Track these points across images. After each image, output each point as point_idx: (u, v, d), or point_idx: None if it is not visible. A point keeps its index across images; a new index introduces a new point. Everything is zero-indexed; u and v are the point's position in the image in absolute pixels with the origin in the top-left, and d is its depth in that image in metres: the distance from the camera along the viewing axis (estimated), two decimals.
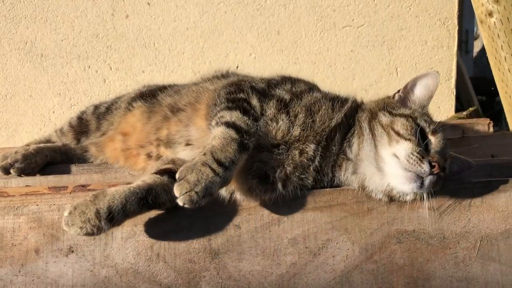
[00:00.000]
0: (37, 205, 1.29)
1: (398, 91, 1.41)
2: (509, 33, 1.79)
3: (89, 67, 2.52)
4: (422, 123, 1.29)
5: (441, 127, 1.31)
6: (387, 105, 1.37)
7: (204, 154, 1.18)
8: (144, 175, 1.30)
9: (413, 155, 1.20)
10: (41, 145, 1.72)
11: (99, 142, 1.73)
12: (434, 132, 1.28)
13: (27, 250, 1.26)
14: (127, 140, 1.64)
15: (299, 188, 1.25)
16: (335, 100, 1.37)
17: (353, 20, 2.41)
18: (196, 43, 2.48)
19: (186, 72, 2.49)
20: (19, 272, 1.25)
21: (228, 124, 1.24)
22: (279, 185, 1.24)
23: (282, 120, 1.29)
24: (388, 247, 1.21)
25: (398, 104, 1.38)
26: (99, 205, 1.13)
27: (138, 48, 2.49)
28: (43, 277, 1.25)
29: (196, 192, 1.11)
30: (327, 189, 1.25)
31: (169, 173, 1.27)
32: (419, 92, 1.37)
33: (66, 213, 1.13)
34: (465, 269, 1.19)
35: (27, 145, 1.77)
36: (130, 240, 1.25)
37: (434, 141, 1.27)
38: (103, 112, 1.76)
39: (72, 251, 1.26)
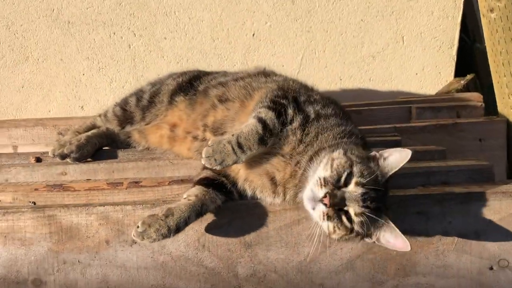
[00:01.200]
0: (104, 207, 1.60)
1: (378, 151, 1.48)
2: (507, 30, 1.95)
3: (114, 33, 2.67)
4: (355, 170, 1.37)
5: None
6: (355, 150, 1.47)
7: (233, 135, 1.50)
8: (191, 190, 1.58)
9: (321, 179, 1.37)
10: (90, 133, 1.97)
11: (143, 129, 1.99)
12: (358, 184, 1.36)
13: (99, 241, 1.59)
14: (175, 129, 1.91)
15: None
16: (343, 130, 1.54)
17: None
18: (214, 11, 2.61)
19: (205, 39, 2.66)
20: (95, 257, 1.60)
21: (260, 120, 1.53)
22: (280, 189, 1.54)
23: (297, 135, 1.54)
24: None
25: (361, 154, 1.46)
26: (169, 223, 1.44)
27: (160, 16, 2.63)
28: (114, 261, 1.60)
29: (215, 159, 1.46)
30: None
31: (212, 184, 1.57)
32: (390, 160, 1.43)
33: (140, 229, 1.42)
34: (443, 259, 1.53)
35: (77, 131, 2.02)
36: (181, 234, 1.57)
37: (351, 188, 1.36)
38: (146, 105, 1.97)
39: (135, 242, 1.59)
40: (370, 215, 1.34)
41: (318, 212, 1.38)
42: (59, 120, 2.43)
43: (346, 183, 1.37)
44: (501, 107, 2.10)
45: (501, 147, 2.04)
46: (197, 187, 1.56)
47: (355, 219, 1.36)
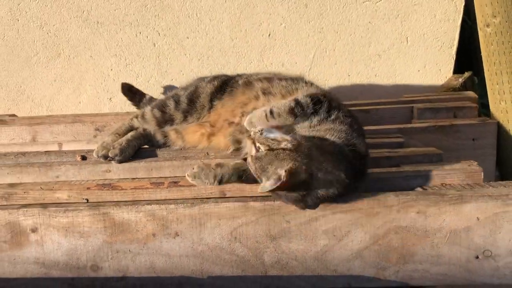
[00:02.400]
0: (150, 205, 1.87)
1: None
2: (500, 43, 2.17)
3: (140, 33, 2.87)
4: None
5: None
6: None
7: (269, 106, 1.85)
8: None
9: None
10: (130, 136, 2.19)
11: (181, 129, 2.23)
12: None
13: (147, 234, 1.88)
14: (215, 125, 2.16)
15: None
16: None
17: None
18: (233, 14, 2.80)
19: (225, 38, 2.86)
20: (143, 247, 1.89)
21: (296, 99, 1.84)
22: None
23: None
24: (388, 236, 1.82)
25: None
26: (217, 172, 1.83)
27: (183, 17, 2.82)
28: (159, 251, 1.88)
29: (251, 122, 1.83)
30: (350, 198, 1.83)
31: None
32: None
33: (194, 170, 1.84)
34: (437, 250, 1.81)
35: (117, 133, 2.25)
36: (217, 228, 1.85)
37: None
38: (186, 109, 2.20)
39: (178, 235, 1.87)
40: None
41: None
42: (96, 116, 2.67)
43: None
44: (493, 110, 2.35)
45: (492, 146, 2.31)
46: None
47: None
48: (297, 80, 2.14)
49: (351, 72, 2.89)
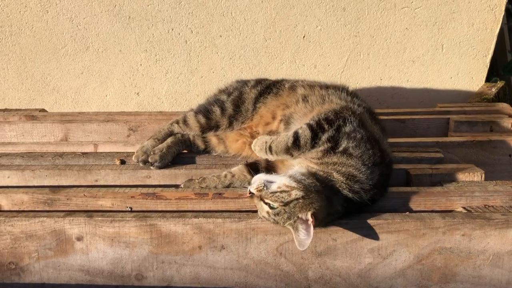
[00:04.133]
0: (198, 219, 1.88)
1: (308, 221, 1.75)
2: None
3: (172, 29, 2.83)
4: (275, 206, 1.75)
5: None
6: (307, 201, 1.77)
7: (270, 138, 1.90)
8: (235, 167, 2.07)
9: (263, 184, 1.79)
10: (170, 142, 2.19)
11: (223, 136, 2.23)
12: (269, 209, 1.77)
13: (193, 247, 1.89)
14: (256, 132, 2.19)
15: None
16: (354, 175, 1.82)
17: (412, 2, 2.67)
18: (269, 14, 2.76)
19: (258, 38, 2.82)
20: (189, 259, 1.91)
21: (296, 135, 1.85)
22: None
23: (318, 155, 1.84)
24: (432, 256, 1.85)
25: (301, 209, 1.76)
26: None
27: (217, 16, 2.77)
28: (205, 263, 1.91)
29: (255, 149, 1.93)
30: (397, 219, 1.85)
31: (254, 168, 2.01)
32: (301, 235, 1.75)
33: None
34: (479, 271, 1.86)
35: (157, 138, 2.24)
36: (263, 244, 1.87)
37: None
38: (232, 114, 2.20)
39: (224, 248, 1.89)
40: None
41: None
42: (128, 115, 2.64)
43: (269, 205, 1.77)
44: None
45: None
46: (240, 166, 2.04)
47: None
48: (338, 89, 2.14)
49: (384, 76, 2.88)
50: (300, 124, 1.95)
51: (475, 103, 2.66)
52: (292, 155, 1.87)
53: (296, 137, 1.85)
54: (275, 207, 1.73)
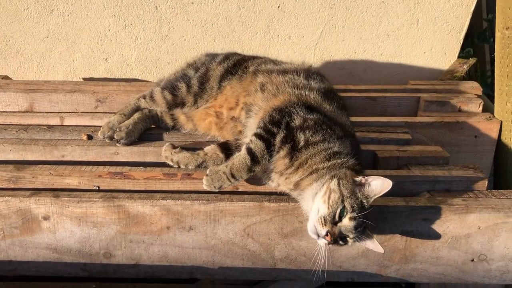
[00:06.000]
0: (166, 200, 1.88)
1: (364, 177, 1.73)
2: None
3: None
4: (347, 206, 1.65)
5: None
6: (345, 180, 1.71)
7: (226, 167, 1.83)
8: (209, 147, 2.02)
9: (322, 218, 1.66)
10: (136, 119, 2.15)
11: (191, 114, 2.19)
12: (351, 219, 1.65)
13: (161, 227, 1.91)
14: (221, 114, 2.13)
15: None
16: (332, 153, 1.80)
17: None
18: None
19: (232, 6, 2.72)
20: (157, 239, 1.92)
21: (250, 152, 1.80)
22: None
23: (285, 163, 1.82)
24: (393, 239, 1.91)
25: (350, 183, 1.70)
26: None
27: None
28: (173, 242, 1.93)
29: (214, 186, 1.83)
30: None
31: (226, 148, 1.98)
32: (373, 187, 1.69)
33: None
34: (437, 252, 1.94)
35: (124, 114, 2.19)
36: (230, 225, 1.90)
37: (345, 223, 1.66)
38: (197, 92, 2.15)
39: (192, 229, 1.91)
40: (359, 236, 1.70)
41: (321, 243, 1.71)
42: (96, 85, 2.56)
43: (341, 217, 1.66)
44: (498, 110, 2.39)
45: (492, 143, 2.38)
46: (213, 145, 2.00)
47: (349, 241, 1.71)
48: (297, 74, 2.07)
49: (358, 49, 2.85)
50: (255, 122, 1.93)
51: (446, 81, 2.68)
52: (255, 171, 1.83)
53: (250, 153, 1.80)
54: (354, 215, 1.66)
